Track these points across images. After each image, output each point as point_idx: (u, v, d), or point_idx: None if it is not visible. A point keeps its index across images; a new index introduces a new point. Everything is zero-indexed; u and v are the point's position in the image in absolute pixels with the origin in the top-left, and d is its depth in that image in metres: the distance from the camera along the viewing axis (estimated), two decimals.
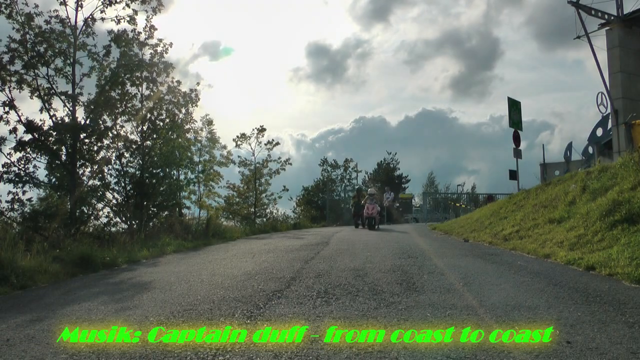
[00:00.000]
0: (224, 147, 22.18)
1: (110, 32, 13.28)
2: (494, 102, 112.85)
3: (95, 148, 13.25)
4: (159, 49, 14.15)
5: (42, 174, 12.48)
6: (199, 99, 15.43)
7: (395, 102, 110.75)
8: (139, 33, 13.70)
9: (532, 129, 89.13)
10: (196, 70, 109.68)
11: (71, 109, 12.72)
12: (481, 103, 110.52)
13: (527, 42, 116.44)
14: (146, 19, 13.88)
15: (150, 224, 14.18)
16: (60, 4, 12.72)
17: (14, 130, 12.08)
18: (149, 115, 14.35)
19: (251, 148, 23.51)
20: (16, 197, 11.87)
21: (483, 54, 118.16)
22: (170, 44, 14.32)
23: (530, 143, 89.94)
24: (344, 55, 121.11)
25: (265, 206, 24.04)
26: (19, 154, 12.16)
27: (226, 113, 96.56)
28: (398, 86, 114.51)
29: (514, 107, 18.30)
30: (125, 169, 13.98)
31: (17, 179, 11.99)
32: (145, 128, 14.40)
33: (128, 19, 13.42)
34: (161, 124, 14.60)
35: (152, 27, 13.91)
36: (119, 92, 13.48)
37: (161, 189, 14.42)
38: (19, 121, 12.13)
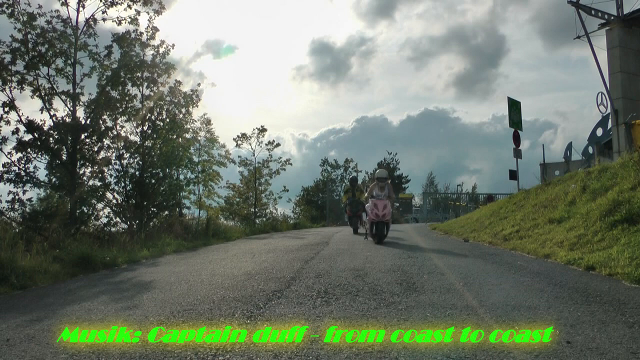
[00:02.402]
0: (223, 146, 22.22)
1: (113, 34, 13.34)
2: (497, 101, 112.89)
3: (96, 148, 13.27)
4: (161, 49, 14.20)
5: (42, 174, 12.52)
6: (199, 99, 15.45)
7: (398, 101, 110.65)
8: (141, 34, 13.74)
9: (534, 128, 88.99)
10: (199, 69, 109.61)
11: (72, 109, 12.74)
12: (484, 102, 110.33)
13: (532, 40, 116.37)
14: (149, 20, 13.93)
15: (150, 224, 14.18)
16: (62, 4, 12.76)
17: (16, 131, 12.13)
18: (149, 115, 14.36)
19: (251, 148, 23.55)
20: (16, 197, 11.89)
21: (488, 51, 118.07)
22: (173, 45, 14.38)
23: (534, 142, 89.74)
24: (348, 53, 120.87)
25: (265, 206, 24.06)
26: (19, 154, 12.19)
27: (229, 112, 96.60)
28: (401, 85, 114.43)
29: (514, 107, 18.31)
30: (125, 169, 13.99)
31: (17, 179, 12.01)
32: (145, 128, 14.41)
33: (129, 19, 13.47)
34: (161, 124, 14.61)
35: (154, 29, 13.96)
36: (120, 92, 13.50)
37: (161, 189, 14.42)
38: (20, 121, 12.16)
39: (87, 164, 13.09)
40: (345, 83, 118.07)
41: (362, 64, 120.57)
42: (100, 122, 13.25)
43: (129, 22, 13.45)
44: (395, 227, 19.73)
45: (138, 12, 13.51)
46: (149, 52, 14.04)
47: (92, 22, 12.96)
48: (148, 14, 13.86)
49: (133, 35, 13.50)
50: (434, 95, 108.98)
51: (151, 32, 13.92)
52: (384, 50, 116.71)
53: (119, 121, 13.70)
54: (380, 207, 10.54)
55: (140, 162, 14.14)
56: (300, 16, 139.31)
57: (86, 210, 12.98)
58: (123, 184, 13.87)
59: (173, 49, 14.42)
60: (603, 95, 18.79)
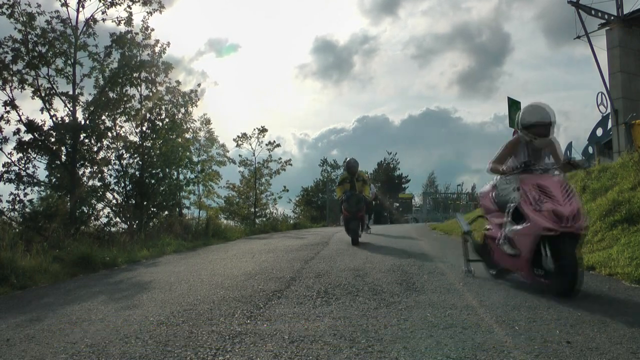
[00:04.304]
0: (222, 146, 22.26)
1: (112, 35, 13.36)
2: (499, 100, 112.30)
3: (95, 148, 13.30)
4: (157, 49, 14.20)
5: (42, 174, 12.55)
6: (198, 99, 15.49)
7: (400, 100, 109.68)
8: (136, 34, 13.75)
9: None
10: (202, 68, 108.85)
11: (71, 109, 12.77)
12: (487, 100, 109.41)
13: (535, 38, 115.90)
14: (142, 20, 13.94)
15: (150, 224, 14.19)
16: (62, 4, 12.79)
17: (17, 132, 12.18)
18: (148, 115, 14.37)
19: (252, 148, 23.56)
20: (17, 197, 11.93)
21: (493, 49, 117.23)
22: (168, 44, 14.40)
23: None
24: (351, 51, 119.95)
25: (265, 206, 24.07)
26: (19, 154, 12.23)
27: (231, 110, 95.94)
28: (404, 83, 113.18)
29: (514, 107, 18.28)
30: (125, 169, 14.00)
31: (17, 179, 12.04)
32: (144, 128, 14.42)
33: (125, 20, 13.47)
34: (161, 124, 14.62)
35: (148, 28, 13.97)
36: (118, 92, 13.51)
37: (161, 189, 14.44)
38: (20, 121, 12.20)
39: (87, 164, 13.11)
40: (348, 81, 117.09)
41: (365, 62, 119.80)
42: (100, 122, 13.27)
43: (124, 23, 13.48)
44: (394, 227, 19.65)
45: (131, 14, 13.57)
46: (145, 52, 14.08)
47: (91, 23, 13.00)
48: (147, 13, 13.89)
49: (129, 37, 13.51)
50: (436, 94, 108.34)
51: (145, 31, 13.93)
52: (387, 49, 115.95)
53: (118, 121, 13.75)
54: (558, 191, 4.47)
55: (140, 162, 14.16)
56: (303, 14, 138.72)
57: (86, 210, 13.01)
58: (123, 184, 13.90)
59: (168, 47, 14.47)
60: (603, 95, 18.79)
